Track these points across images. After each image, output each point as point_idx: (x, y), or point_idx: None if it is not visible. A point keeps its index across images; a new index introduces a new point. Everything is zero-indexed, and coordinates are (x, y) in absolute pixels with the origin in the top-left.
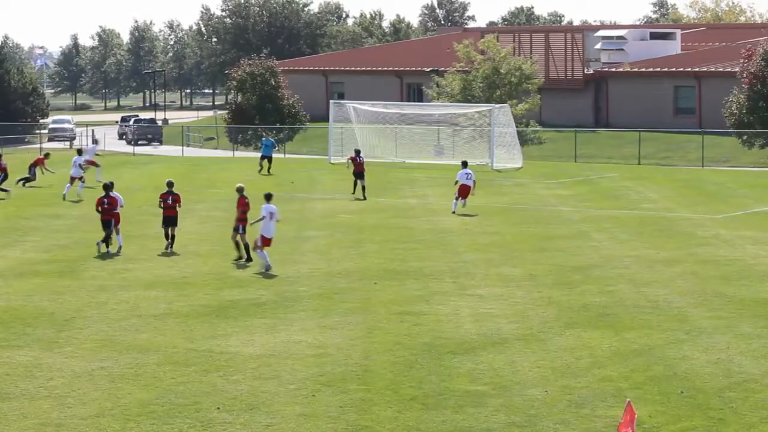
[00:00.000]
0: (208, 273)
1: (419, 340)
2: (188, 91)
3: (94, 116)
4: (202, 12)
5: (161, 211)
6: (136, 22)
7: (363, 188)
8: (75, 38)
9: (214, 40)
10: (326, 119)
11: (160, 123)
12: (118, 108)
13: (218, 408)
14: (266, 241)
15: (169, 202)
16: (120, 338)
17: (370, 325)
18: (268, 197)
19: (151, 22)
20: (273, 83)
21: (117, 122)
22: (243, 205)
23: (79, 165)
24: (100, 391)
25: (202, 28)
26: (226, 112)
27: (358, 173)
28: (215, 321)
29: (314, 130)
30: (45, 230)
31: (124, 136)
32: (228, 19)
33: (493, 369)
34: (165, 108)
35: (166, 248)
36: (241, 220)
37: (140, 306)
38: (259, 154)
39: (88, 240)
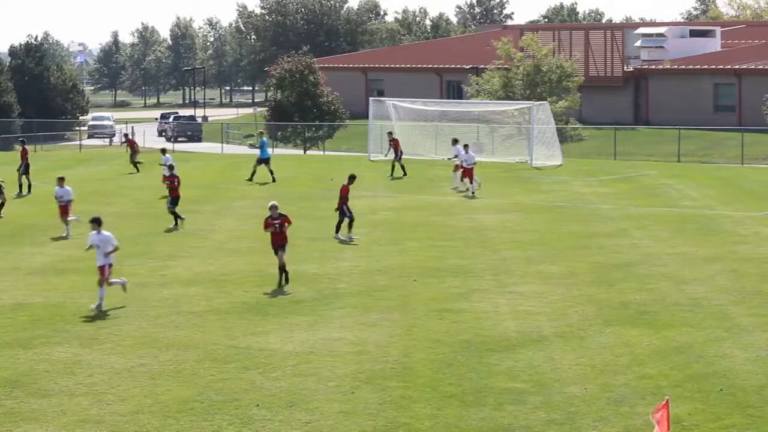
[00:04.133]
0: (247, 270)
1: (458, 338)
2: (228, 88)
3: (134, 113)
4: (239, 10)
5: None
6: (178, 18)
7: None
8: (115, 35)
9: (254, 37)
10: (366, 116)
11: (199, 120)
12: (158, 105)
13: (257, 405)
14: (99, 270)
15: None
16: (160, 335)
17: (410, 322)
18: (96, 222)
19: (191, 19)
20: (312, 80)
21: (157, 119)
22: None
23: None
24: (140, 387)
25: (241, 26)
26: (266, 109)
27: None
28: (255, 318)
29: (354, 128)
30: (84, 227)
31: (163, 133)
32: (267, 17)
33: (532, 366)
34: (204, 105)
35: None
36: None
37: (180, 303)
38: (299, 152)
39: (126, 237)
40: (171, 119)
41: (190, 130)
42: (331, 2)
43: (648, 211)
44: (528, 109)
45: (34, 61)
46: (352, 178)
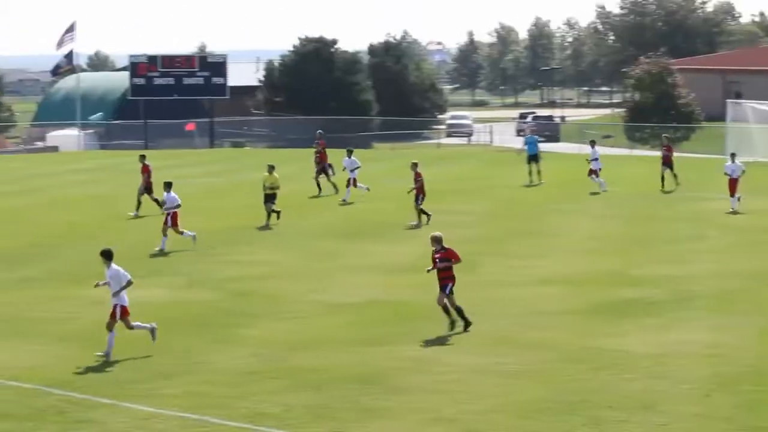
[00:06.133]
0: (602, 271)
1: None
2: (585, 88)
3: (492, 113)
4: (598, 10)
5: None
6: (539, 18)
7: None
8: (471, 35)
9: (612, 38)
10: (722, 119)
11: (557, 120)
12: (516, 105)
13: (610, 406)
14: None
15: None
16: (515, 335)
17: (764, 326)
18: (104, 255)
19: (548, 20)
20: (669, 82)
21: (515, 119)
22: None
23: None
24: (492, 386)
25: (599, 26)
26: (623, 110)
27: None
28: (609, 319)
29: (710, 130)
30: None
31: (521, 133)
32: (626, 17)
33: None
34: (562, 105)
35: None
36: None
37: (536, 303)
38: (656, 153)
39: (482, 236)
40: (529, 119)
41: (548, 130)
42: (689, 3)
43: None
44: None
45: (393, 59)
46: None
